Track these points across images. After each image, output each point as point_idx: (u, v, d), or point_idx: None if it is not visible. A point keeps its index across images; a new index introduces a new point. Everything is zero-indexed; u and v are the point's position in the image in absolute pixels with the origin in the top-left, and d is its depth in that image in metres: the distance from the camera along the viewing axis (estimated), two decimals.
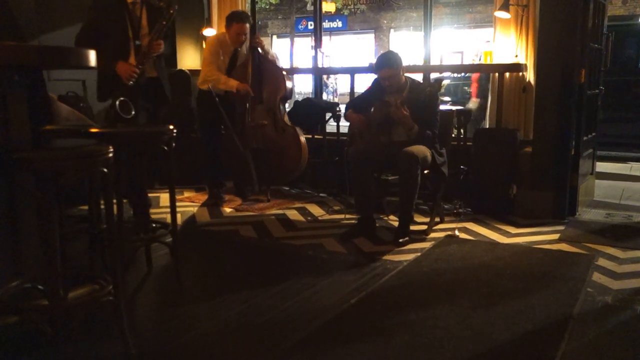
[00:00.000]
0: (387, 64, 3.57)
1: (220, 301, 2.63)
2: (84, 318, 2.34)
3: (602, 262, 3.12)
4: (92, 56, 2.03)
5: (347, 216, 4.11)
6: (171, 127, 2.67)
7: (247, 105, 4.43)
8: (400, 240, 3.45)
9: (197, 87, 4.60)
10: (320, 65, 5.92)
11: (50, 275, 1.86)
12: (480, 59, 9.35)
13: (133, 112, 3.35)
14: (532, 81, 4.31)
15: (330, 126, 5.10)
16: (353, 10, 20.79)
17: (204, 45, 5.58)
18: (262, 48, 4.52)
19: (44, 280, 2.00)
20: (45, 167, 1.76)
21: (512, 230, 3.77)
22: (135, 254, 3.04)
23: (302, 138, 4.57)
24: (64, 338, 1.88)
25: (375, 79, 3.79)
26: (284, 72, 4.57)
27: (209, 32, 5.42)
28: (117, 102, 3.33)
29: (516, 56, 4.41)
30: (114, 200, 2.22)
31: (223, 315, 2.47)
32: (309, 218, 4.14)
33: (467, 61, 15.92)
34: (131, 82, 3.47)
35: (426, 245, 3.45)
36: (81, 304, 2.05)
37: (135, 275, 2.91)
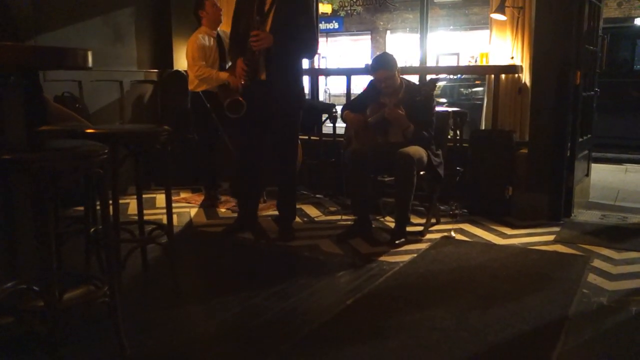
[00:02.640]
0: (382, 65, 3.58)
1: (217, 302, 2.63)
2: (80, 319, 2.33)
3: (597, 263, 3.13)
4: (88, 57, 2.03)
5: (344, 217, 4.11)
6: (166, 127, 2.66)
7: None
8: (397, 241, 3.46)
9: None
10: (316, 67, 5.92)
11: (45, 277, 1.85)
12: (476, 61, 9.39)
13: (242, 112, 3.26)
14: (528, 83, 4.33)
15: (327, 127, 5.10)
16: (349, 11, 20.81)
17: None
18: None
19: (39, 281, 1.99)
20: (41, 168, 1.76)
21: (508, 231, 3.77)
22: (130, 255, 3.03)
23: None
24: (59, 339, 1.87)
25: (371, 81, 3.80)
26: None
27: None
28: (226, 103, 3.29)
29: (512, 58, 4.43)
30: (110, 201, 2.21)
31: (219, 316, 2.47)
32: (306, 219, 4.14)
33: (464, 63, 15.96)
34: (244, 82, 3.27)
35: (422, 246, 3.46)
36: (77, 305, 2.04)
37: (131, 277, 2.90)
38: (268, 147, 3.63)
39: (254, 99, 3.35)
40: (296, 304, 2.60)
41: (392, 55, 3.67)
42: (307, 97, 5.53)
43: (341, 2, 19.78)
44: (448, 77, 8.86)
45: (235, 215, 4.08)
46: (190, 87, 4.44)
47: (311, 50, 3.51)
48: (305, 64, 5.65)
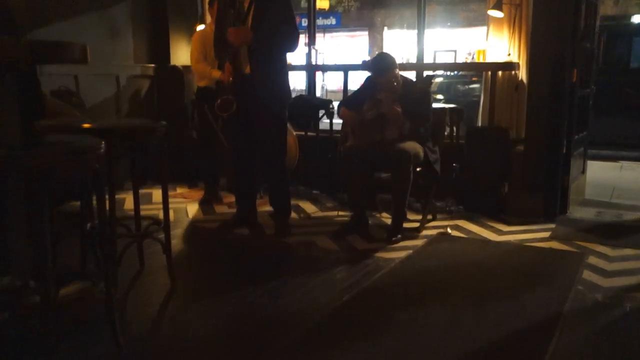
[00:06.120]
0: (390, 66, 3.57)
1: (212, 299, 2.63)
2: (75, 316, 2.33)
3: (592, 260, 3.14)
4: (86, 51, 2.02)
5: (340, 213, 4.11)
6: (163, 122, 2.66)
7: None
8: (393, 237, 3.46)
9: (191, 83, 4.59)
10: (313, 63, 5.91)
11: (41, 273, 1.85)
12: (473, 58, 9.38)
13: (232, 110, 3.31)
14: (525, 80, 4.33)
15: (323, 123, 5.10)
16: (347, 7, 20.76)
17: None
18: None
19: (35, 277, 1.99)
20: (36, 163, 1.75)
21: (504, 228, 3.78)
22: (127, 251, 3.02)
23: (292, 135, 4.55)
24: (55, 336, 1.87)
25: (368, 77, 3.80)
26: None
27: (202, 28, 5.40)
28: (219, 100, 3.34)
29: (509, 55, 4.43)
30: (106, 197, 2.21)
31: (215, 313, 2.47)
32: (302, 215, 4.14)
33: (461, 60, 15.96)
34: (232, 79, 3.34)
35: (418, 242, 3.46)
36: (72, 301, 2.04)
37: (127, 273, 2.90)
38: (260, 143, 3.64)
39: (242, 95, 3.38)
40: (292, 300, 2.60)
41: (390, 55, 3.68)
42: (303, 93, 5.54)
43: None
44: (445, 73, 8.86)
45: (232, 211, 4.08)
46: (196, 82, 4.50)
47: (292, 43, 3.49)
48: (302, 59, 5.66)
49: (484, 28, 4.67)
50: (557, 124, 3.97)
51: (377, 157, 3.56)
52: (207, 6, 5.23)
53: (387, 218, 3.93)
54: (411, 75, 4.60)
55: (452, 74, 8.86)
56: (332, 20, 21.81)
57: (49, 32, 4.42)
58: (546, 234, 3.62)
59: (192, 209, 4.32)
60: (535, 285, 2.77)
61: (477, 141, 4.26)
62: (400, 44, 18.83)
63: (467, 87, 8.57)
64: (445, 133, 4.28)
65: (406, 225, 3.67)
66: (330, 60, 18.64)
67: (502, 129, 4.32)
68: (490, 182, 4.18)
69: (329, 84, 18.33)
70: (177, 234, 3.63)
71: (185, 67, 5.36)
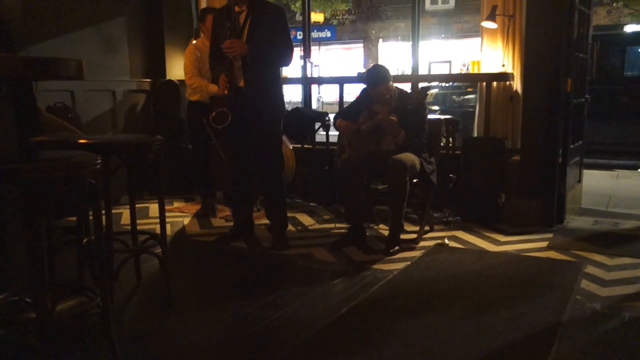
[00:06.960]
0: (384, 78, 3.59)
1: (210, 312, 2.62)
2: (72, 330, 2.31)
3: (590, 269, 3.14)
4: (81, 67, 2.03)
5: (337, 225, 4.11)
6: (159, 137, 2.66)
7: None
8: (390, 249, 3.46)
9: (186, 97, 4.60)
10: (309, 75, 5.94)
11: (37, 288, 1.84)
12: (468, 69, 9.43)
13: (227, 122, 3.31)
14: (520, 90, 4.35)
15: (320, 135, 5.11)
16: (341, 20, 20.89)
17: None
18: None
19: (31, 292, 1.98)
20: (33, 178, 1.75)
21: (501, 238, 3.79)
22: (124, 266, 3.01)
23: (288, 147, 4.56)
24: (52, 351, 1.86)
25: (364, 89, 3.82)
26: None
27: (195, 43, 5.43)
28: (214, 113, 3.34)
29: (503, 65, 4.46)
30: (102, 211, 2.21)
31: (212, 326, 2.46)
32: (299, 227, 4.14)
33: (455, 70, 16.05)
34: (227, 92, 3.35)
35: (416, 254, 3.46)
36: (69, 316, 2.03)
37: (124, 287, 2.89)
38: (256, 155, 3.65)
39: (237, 108, 3.40)
40: (290, 312, 2.59)
41: (384, 67, 3.70)
42: (299, 105, 5.56)
43: (333, 11, 19.88)
44: (440, 84, 8.91)
45: (229, 224, 4.07)
46: (187, 95, 4.52)
47: (286, 57, 3.54)
48: (298, 72, 5.68)
49: (478, 39, 4.71)
50: (553, 133, 3.99)
51: (373, 168, 3.57)
52: None
53: (384, 229, 3.93)
54: (406, 86, 4.63)
55: (447, 85, 8.90)
56: (327, 33, 21.95)
57: (46, 47, 4.44)
58: (544, 244, 3.62)
59: (189, 222, 4.31)
60: (534, 295, 2.77)
61: (473, 151, 4.27)
62: (395, 55, 18.96)
63: (462, 97, 8.61)
64: (441, 144, 4.29)
65: (404, 236, 3.67)
66: (325, 73, 18.73)
67: (497, 139, 4.34)
68: (487, 192, 4.19)
69: (325, 96, 18.41)
70: (174, 247, 3.62)
71: (181, 81, 5.37)
